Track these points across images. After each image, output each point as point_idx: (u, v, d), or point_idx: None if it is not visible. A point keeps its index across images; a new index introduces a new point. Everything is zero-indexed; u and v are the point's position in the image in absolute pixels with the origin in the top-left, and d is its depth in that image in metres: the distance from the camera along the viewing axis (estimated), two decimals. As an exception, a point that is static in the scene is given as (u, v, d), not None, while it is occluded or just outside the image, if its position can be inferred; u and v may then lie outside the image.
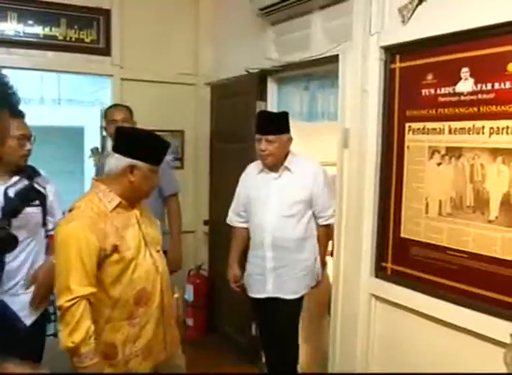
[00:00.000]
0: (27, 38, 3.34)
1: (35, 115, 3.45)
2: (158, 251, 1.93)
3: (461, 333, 1.88)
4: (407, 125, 2.12)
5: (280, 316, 2.60)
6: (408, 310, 2.12)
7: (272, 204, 2.57)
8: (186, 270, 3.69)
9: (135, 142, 1.83)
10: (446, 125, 1.96)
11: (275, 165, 2.58)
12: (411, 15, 2.05)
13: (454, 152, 1.93)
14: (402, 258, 2.17)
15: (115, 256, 1.75)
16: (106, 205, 1.79)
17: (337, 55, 2.46)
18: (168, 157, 3.06)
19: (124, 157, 1.80)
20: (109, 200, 1.80)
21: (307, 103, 2.96)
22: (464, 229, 1.89)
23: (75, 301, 1.65)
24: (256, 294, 2.64)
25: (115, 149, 1.85)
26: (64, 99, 4.56)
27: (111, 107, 3.16)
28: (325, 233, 2.66)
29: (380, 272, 2.27)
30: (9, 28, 3.29)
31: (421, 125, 2.06)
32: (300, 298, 2.63)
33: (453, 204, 1.94)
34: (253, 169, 2.70)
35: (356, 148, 2.34)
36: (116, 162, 1.82)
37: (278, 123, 2.55)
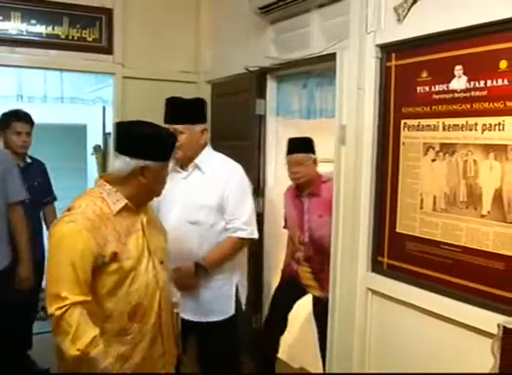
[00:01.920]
0: (30, 37, 3.39)
1: (39, 113, 3.50)
2: (161, 263, 1.75)
3: (455, 325, 1.91)
4: (402, 122, 2.16)
5: (204, 342, 2.26)
6: (404, 304, 2.15)
7: (176, 207, 2.22)
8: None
9: (140, 141, 1.64)
10: (440, 122, 1.99)
11: (185, 161, 2.27)
12: (406, 13, 2.09)
13: (448, 149, 1.96)
14: (398, 253, 2.20)
15: (114, 265, 1.58)
16: (110, 207, 1.63)
17: (334, 54, 2.50)
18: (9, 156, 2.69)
19: (131, 159, 1.63)
20: (115, 201, 1.64)
21: (305, 101, 2.99)
22: (457, 224, 1.93)
23: (66, 308, 1.48)
24: None
25: (119, 150, 1.67)
26: (67, 97, 4.61)
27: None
28: (229, 244, 2.23)
29: (376, 266, 2.30)
30: (13, 27, 3.34)
31: (416, 122, 2.09)
32: (223, 324, 2.25)
33: (446, 199, 1.97)
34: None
35: (352, 144, 2.37)
36: (123, 165, 1.64)
37: (188, 111, 2.25)
